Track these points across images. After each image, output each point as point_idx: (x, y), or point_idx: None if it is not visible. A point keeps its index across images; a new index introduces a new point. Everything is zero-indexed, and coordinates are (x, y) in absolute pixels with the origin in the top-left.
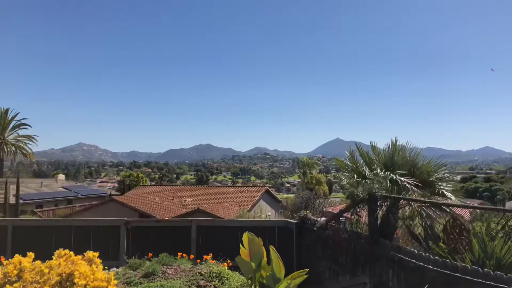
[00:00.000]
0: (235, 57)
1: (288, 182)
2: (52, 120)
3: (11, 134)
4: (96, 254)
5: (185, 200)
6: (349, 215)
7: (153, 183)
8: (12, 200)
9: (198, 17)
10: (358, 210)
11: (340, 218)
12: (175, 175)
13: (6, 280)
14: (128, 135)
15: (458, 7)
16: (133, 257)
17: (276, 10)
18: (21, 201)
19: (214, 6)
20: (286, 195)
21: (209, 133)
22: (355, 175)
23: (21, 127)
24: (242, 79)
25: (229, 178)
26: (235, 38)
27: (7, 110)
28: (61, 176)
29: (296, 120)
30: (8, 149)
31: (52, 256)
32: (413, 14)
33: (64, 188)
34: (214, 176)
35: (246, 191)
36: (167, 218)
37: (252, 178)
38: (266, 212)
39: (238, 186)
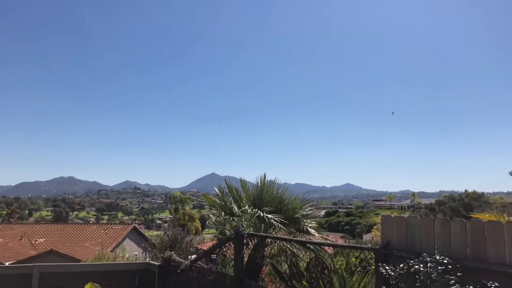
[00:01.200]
0: (101, 86)
1: (159, 219)
2: None
3: None
4: None
5: (36, 241)
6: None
7: None
8: None
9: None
10: (225, 249)
11: (212, 256)
12: (27, 211)
13: None
14: None
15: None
16: None
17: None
18: None
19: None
20: (156, 232)
21: (71, 164)
22: (223, 213)
23: None
24: (110, 110)
25: (93, 215)
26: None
27: None
28: None
29: (170, 153)
30: None
31: None
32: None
33: None
34: (75, 213)
35: (111, 229)
36: (6, 266)
37: (120, 214)
38: (133, 252)
39: (103, 223)
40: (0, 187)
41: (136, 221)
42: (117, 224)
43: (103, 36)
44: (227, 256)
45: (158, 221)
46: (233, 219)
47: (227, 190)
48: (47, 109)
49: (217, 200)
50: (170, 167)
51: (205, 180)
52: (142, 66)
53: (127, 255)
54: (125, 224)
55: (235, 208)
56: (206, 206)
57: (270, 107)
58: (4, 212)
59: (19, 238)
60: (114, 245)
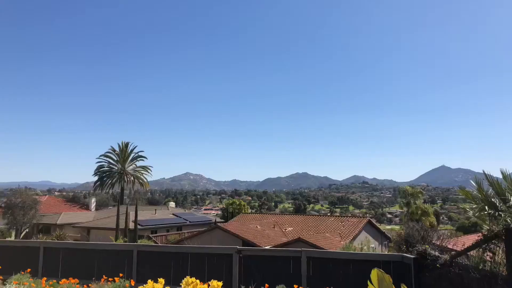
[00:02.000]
0: (326, 88)
1: (389, 213)
2: (163, 152)
3: (130, 165)
4: (220, 283)
5: (286, 229)
6: (474, 252)
7: (253, 211)
8: (131, 225)
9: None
10: (492, 246)
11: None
12: (273, 203)
13: None
14: (230, 165)
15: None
16: (250, 287)
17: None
18: (139, 226)
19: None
20: (388, 227)
21: (305, 161)
22: (486, 207)
23: (138, 159)
24: (343, 107)
25: (327, 207)
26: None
27: (127, 143)
28: (172, 204)
29: (397, 147)
30: (128, 179)
31: (180, 284)
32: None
33: (174, 215)
34: (311, 205)
35: (347, 221)
36: (279, 248)
37: (351, 207)
38: (370, 244)
39: (337, 216)
40: (251, 182)
41: (367, 215)
42: (350, 216)
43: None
44: (496, 254)
45: (389, 215)
46: (498, 214)
47: (486, 183)
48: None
49: (476, 193)
50: (397, 161)
51: (434, 173)
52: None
53: (365, 248)
54: (359, 217)
55: (498, 202)
56: (438, 201)
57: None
58: (256, 203)
59: (272, 226)
60: (352, 236)
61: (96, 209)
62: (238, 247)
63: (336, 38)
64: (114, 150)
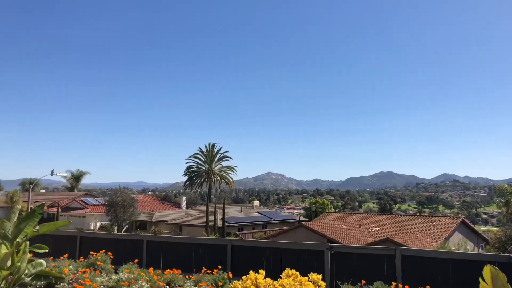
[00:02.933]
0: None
1: (484, 213)
2: (246, 152)
3: (216, 165)
4: (320, 276)
5: (372, 229)
6: None
7: (336, 210)
8: (219, 222)
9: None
10: None
11: None
12: (357, 203)
13: None
14: (311, 164)
15: None
16: (346, 283)
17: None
18: (226, 223)
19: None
20: (484, 228)
21: (390, 159)
22: None
23: (224, 159)
24: (431, 100)
25: (414, 207)
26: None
27: (213, 145)
28: (256, 202)
29: (491, 142)
30: (215, 178)
31: (281, 275)
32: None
33: (259, 213)
34: (397, 205)
35: (438, 221)
36: (372, 246)
37: (441, 207)
38: (466, 246)
39: (426, 216)
40: (333, 182)
41: (460, 215)
42: (440, 216)
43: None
44: None
45: (484, 216)
46: None
47: None
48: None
49: None
50: (492, 157)
51: None
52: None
53: (461, 249)
54: (451, 217)
55: None
56: None
57: None
58: (339, 203)
59: (358, 226)
60: (444, 237)
61: (187, 207)
62: (329, 243)
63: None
64: (201, 152)
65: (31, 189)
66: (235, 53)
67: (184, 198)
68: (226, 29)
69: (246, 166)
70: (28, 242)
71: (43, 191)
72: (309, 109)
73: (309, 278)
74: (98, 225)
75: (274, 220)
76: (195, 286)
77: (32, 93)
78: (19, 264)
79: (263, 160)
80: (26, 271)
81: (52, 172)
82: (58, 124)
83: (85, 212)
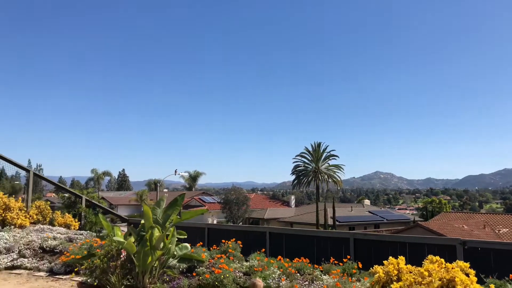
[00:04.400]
0: None
1: None
2: (352, 151)
3: (323, 164)
4: (467, 264)
5: (499, 230)
6: None
7: (454, 210)
8: (329, 221)
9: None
10: None
11: None
12: (477, 203)
13: (388, 278)
14: (423, 162)
15: None
16: (490, 277)
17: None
18: (337, 222)
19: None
20: None
21: None
22: None
23: (331, 158)
24: None
25: None
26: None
27: (319, 143)
28: (367, 202)
29: None
30: (322, 177)
31: (423, 262)
32: None
33: (370, 213)
34: None
35: None
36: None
37: None
38: None
39: None
40: (449, 180)
41: None
42: None
43: None
44: None
45: None
46: None
47: None
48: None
49: None
50: None
51: None
52: None
53: None
54: None
55: None
56: None
57: None
58: (457, 203)
59: (482, 226)
60: None
61: (295, 206)
62: (461, 238)
63: None
64: (308, 151)
65: (158, 189)
66: (348, 53)
67: (293, 197)
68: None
69: (352, 165)
70: (174, 227)
71: (165, 190)
72: (419, 105)
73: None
74: (215, 221)
75: (386, 220)
76: (324, 274)
77: (154, 98)
78: (170, 246)
79: (370, 159)
80: (175, 253)
81: (175, 172)
82: (175, 127)
83: (204, 209)
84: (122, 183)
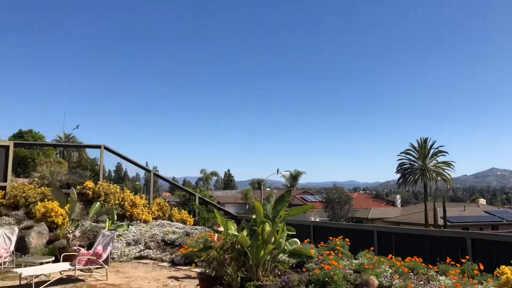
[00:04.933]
0: None
1: None
2: (463, 148)
3: (430, 161)
4: None
5: None
6: None
7: None
8: (439, 221)
9: None
10: None
11: None
12: None
13: None
14: None
15: None
16: None
17: None
18: (448, 222)
19: None
20: None
21: None
22: None
23: (439, 154)
24: None
25: None
26: None
27: (426, 139)
28: (482, 201)
29: None
30: (430, 175)
31: None
32: None
33: (486, 213)
34: None
35: None
36: None
37: None
38: None
39: None
40: None
41: None
42: None
43: None
44: None
45: None
46: None
47: None
48: None
49: None
50: None
51: None
52: None
53: None
54: None
55: None
56: None
57: None
58: None
59: None
60: None
61: (401, 205)
62: None
63: None
64: (413, 147)
65: (262, 187)
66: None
67: (398, 196)
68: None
69: (464, 162)
70: (284, 222)
71: (268, 189)
72: None
73: None
74: (317, 220)
75: (506, 220)
76: (441, 275)
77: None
78: (281, 240)
79: (484, 155)
80: (285, 248)
81: (278, 171)
82: (275, 128)
83: (311, 205)
84: (228, 182)
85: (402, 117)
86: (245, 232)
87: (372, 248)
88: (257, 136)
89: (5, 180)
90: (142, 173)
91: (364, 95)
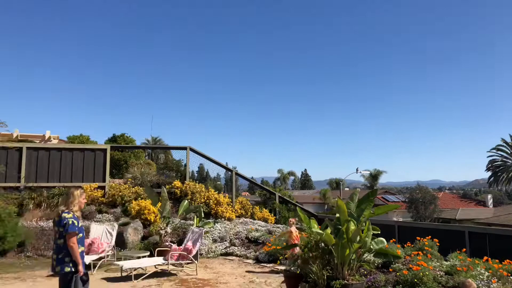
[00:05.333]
0: None
1: None
2: None
3: None
4: None
5: None
6: None
7: None
8: None
9: None
10: None
11: None
12: None
13: None
14: None
15: None
16: None
17: None
18: None
19: None
20: None
21: None
22: None
23: None
24: None
25: None
26: None
27: None
28: None
29: None
30: None
31: None
32: None
33: None
34: None
35: None
36: None
37: None
38: None
39: None
40: None
41: None
42: None
43: None
44: None
45: None
46: None
47: None
48: None
49: None
50: None
51: None
52: None
53: None
54: None
55: None
56: None
57: None
58: None
59: None
60: None
61: (493, 206)
62: None
63: None
64: (505, 143)
65: (341, 187)
66: None
67: (489, 196)
68: None
69: None
70: (369, 221)
71: (347, 189)
72: None
73: None
74: (400, 220)
75: None
76: None
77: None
78: (366, 239)
79: None
80: (371, 247)
81: (357, 170)
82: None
83: (396, 204)
84: (305, 182)
85: (492, 111)
86: (328, 230)
87: (464, 249)
88: (337, 136)
89: (104, 180)
90: (222, 173)
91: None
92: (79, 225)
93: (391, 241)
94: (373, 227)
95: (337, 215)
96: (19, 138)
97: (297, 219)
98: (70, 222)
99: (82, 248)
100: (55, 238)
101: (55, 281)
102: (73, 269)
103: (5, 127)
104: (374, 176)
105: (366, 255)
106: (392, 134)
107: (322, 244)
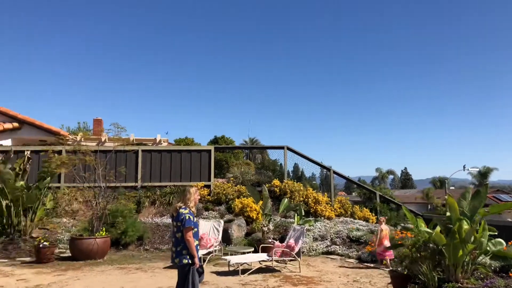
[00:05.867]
0: None
1: None
2: None
3: None
4: None
5: None
6: None
7: None
8: None
9: None
10: None
11: None
12: None
13: None
14: None
15: None
16: None
17: None
18: None
19: None
20: None
21: None
22: None
23: None
24: None
25: None
26: None
27: None
28: None
29: None
30: None
31: None
32: None
33: None
34: None
35: None
36: None
37: None
38: None
39: None
40: None
41: None
42: None
43: None
44: None
45: None
46: None
47: None
48: None
49: None
50: None
51: None
52: None
53: None
54: None
55: None
56: None
57: None
58: None
59: None
60: None
61: None
62: None
63: None
64: None
65: (446, 186)
66: None
67: None
68: None
69: None
70: (485, 221)
71: (452, 188)
72: None
73: None
74: None
75: None
76: None
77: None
78: (482, 240)
79: None
80: (488, 248)
81: (464, 167)
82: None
83: None
84: (405, 181)
85: None
86: (438, 230)
87: None
88: (438, 132)
89: (209, 179)
90: (317, 173)
91: None
92: (194, 220)
93: (510, 243)
94: (489, 227)
95: (448, 213)
96: (134, 141)
97: (387, 217)
98: (187, 217)
99: (197, 242)
100: (173, 232)
101: (171, 272)
102: (190, 261)
103: (125, 132)
104: (483, 174)
105: (481, 257)
106: (505, 125)
107: (431, 244)
